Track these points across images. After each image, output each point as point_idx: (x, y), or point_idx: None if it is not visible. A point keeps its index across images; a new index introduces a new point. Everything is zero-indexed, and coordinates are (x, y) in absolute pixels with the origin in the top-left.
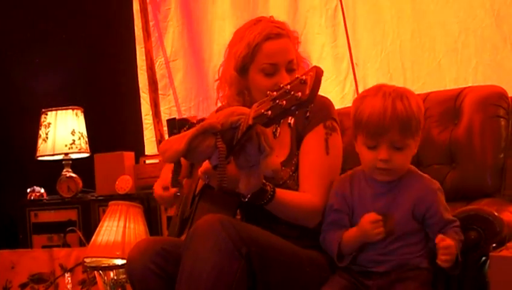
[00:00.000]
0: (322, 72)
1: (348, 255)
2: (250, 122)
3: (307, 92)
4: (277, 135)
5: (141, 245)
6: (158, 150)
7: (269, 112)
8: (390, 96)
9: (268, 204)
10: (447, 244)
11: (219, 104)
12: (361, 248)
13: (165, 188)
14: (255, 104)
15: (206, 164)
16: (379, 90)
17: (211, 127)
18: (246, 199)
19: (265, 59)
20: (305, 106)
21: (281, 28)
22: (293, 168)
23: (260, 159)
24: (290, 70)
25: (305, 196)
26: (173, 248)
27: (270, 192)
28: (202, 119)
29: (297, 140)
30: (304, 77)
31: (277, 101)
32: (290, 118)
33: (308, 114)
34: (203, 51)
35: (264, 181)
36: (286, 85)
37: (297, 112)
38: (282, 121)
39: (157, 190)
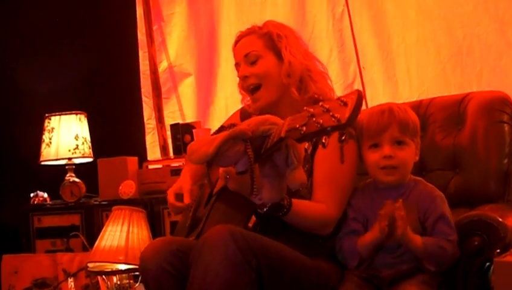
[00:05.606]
0: (363, 96)
1: (365, 261)
2: (283, 134)
3: (347, 115)
4: (309, 152)
5: (156, 245)
6: (187, 151)
7: (304, 128)
8: (386, 104)
9: (284, 216)
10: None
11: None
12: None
13: (178, 197)
14: (289, 117)
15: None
16: (374, 106)
17: (242, 134)
18: (264, 211)
19: (234, 60)
20: (342, 129)
21: (250, 28)
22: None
23: (287, 171)
24: (250, 62)
25: (319, 206)
26: (188, 249)
27: (286, 205)
28: (233, 124)
29: (313, 146)
30: (345, 99)
31: (314, 118)
32: (324, 137)
33: (344, 137)
34: (210, 55)
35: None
36: (325, 103)
37: (332, 133)
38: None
39: (171, 197)
